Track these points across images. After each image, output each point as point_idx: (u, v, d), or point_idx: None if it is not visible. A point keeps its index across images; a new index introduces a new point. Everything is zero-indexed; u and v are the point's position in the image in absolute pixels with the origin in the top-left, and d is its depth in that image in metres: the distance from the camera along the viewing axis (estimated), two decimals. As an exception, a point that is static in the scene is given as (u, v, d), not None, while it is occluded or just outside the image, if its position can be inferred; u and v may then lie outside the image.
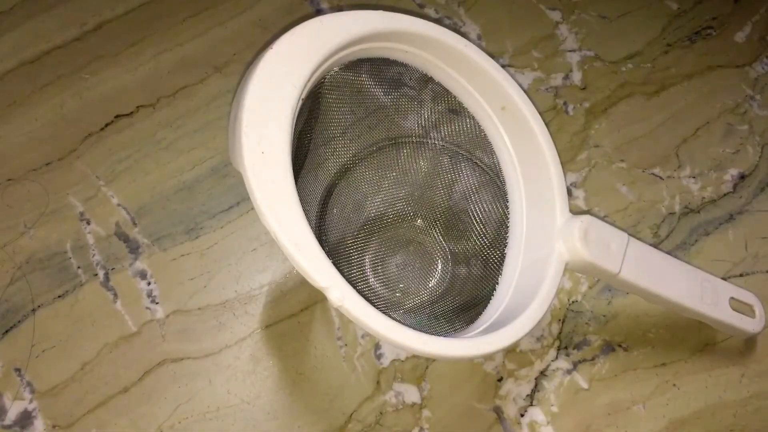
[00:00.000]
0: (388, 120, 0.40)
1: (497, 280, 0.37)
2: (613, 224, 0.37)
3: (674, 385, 0.42)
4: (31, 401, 0.40)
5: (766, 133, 0.51)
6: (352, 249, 0.41)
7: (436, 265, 0.43)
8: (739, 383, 0.42)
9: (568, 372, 0.42)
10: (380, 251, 0.43)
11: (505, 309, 0.35)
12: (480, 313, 0.36)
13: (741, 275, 0.45)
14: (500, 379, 0.42)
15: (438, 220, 0.43)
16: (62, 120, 0.48)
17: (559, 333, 0.43)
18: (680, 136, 0.50)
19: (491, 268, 0.39)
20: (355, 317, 0.29)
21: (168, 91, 0.49)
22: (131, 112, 0.49)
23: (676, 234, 0.46)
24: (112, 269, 0.43)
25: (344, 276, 0.29)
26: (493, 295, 0.37)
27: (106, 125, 0.48)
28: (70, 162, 0.47)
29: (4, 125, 0.48)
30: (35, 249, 0.44)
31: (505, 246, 0.38)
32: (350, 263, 0.41)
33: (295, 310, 0.43)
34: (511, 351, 0.42)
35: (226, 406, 0.40)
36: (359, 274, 0.41)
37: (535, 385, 0.42)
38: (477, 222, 0.41)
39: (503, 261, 0.38)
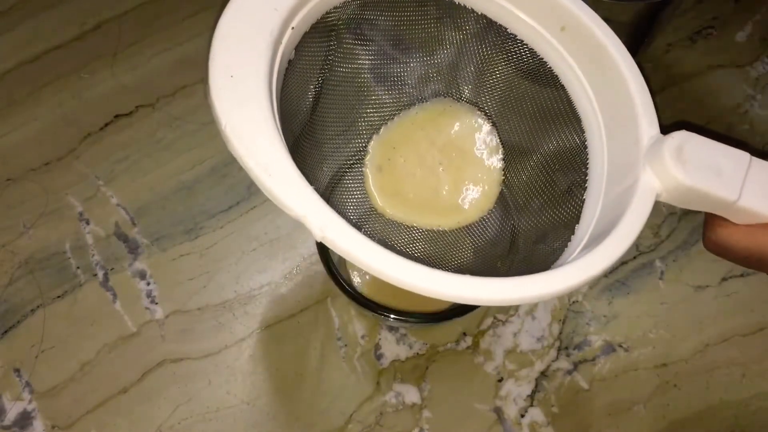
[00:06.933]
0: (421, 71, 0.37)
1: (573, 228, 0.31)
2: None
3: (675, 385, 0.42)
4: (30, 402, 0.40)
5: (767, 133, 0.51)
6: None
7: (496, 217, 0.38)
8: (740, 383, 0.42)
9: (569, 372, 0.42)
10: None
11: (573, 258, 0.29)
12: (547, 268, 0.29)
13: (741, 275, 0.45)
14: (500, 380, 0.41)
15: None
16: (61, 120, 0.48)
17: (560, 333, 0.43)
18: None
19: (567, 212, 0.33)
20: (344, 250, 0.24)
21: (168, 91, 0.49)
22: (131, 112, 0.49)
23: (677, 234, 0.46)
24: (112, 269, 0.43)
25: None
26: (566, 245, 0.31)
27: (106, 125, 0.48)
28: (70, 162, 0.46)
29: (4, 125, 0.48)
30: (34, 249, 0.44)
31: (585, 185, 0.32)
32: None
33: (294, 310, 0.43)
34: (511, 351, 0.42)
35: (225, 407, 0.40)
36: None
37: (536, 386, 0.41)
38: (548, 158, 0.36)
39: (582, 204, 0.32)
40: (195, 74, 0.50)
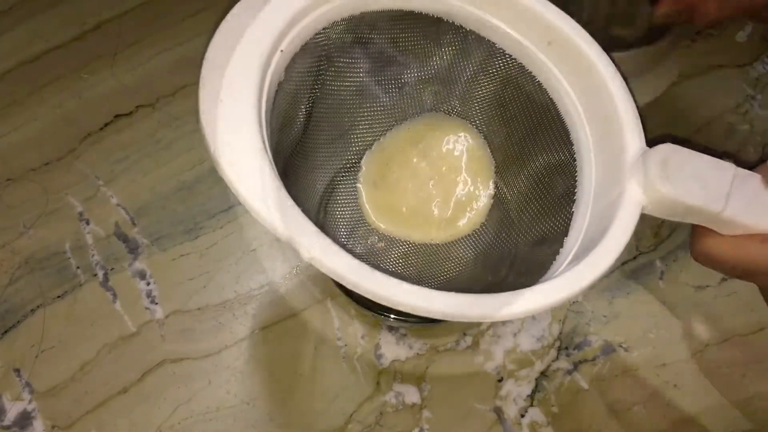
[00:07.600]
0: (412, 89, 0.38)
1: (562, 241, 0.32)
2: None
3: (674, 385, 0.42)
4: (30, 402, 0.40)
5: (767, 133, 0.51)
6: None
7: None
8: (740, 383, 0.42)
9: (569, 372, 0.42)
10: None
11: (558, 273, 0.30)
12: (537, 281, 0.29)
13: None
14: (500, 380, 0.41)
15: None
16: (61, 120, 0.48)
17: (560, 333, 0.43)
18: (681, 136, 0.50)
19: (556, 225, 0.34)
20: (332, 270, 0.25)
21: (168, 91, 0.49)
22: (131, 112, 0.49)
23: (677, 234, 0.46)
24: (112, 269, 0.43)
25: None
26: (555, 258, 0.31)
27: (106, 125, 0.48)
28: (70, 162, 0.46)
29: (4, 125, 0.48)
30: (34, 249, 0.44)
31: (573, 198, 0.32)
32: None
33: (294, 310, 0.43)
34: (511, 351, 0.42)
35: (225, 407, 0.40)
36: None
37: (536, 386, 0.41)
38: (538, 175, 0.36)
39: (570, 218, 0.32)
40: (195, 74, 0.49)
